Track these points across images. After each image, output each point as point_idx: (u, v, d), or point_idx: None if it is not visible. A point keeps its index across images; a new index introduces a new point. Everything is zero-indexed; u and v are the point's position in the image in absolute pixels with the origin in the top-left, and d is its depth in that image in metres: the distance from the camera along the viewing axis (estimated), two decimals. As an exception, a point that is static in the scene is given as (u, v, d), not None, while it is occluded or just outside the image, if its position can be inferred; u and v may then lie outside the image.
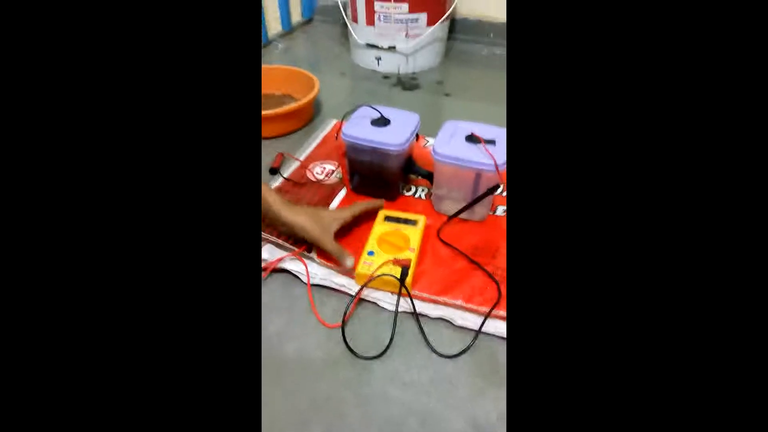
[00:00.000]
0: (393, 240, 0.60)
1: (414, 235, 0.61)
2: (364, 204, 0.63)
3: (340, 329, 0.51)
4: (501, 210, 0.69)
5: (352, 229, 0.64)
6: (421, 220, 0.63)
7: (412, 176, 0.72)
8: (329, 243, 0.57)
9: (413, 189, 0.73)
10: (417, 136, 0.69)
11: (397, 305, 0.53)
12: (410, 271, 0.55)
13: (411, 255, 0.57)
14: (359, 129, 0.65)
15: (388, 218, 0.64)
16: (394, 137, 0.64)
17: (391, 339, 0.51)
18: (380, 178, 0.68)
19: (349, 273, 0.56)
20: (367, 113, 0.68)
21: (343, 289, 0.56)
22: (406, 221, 0.63)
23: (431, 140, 0.82)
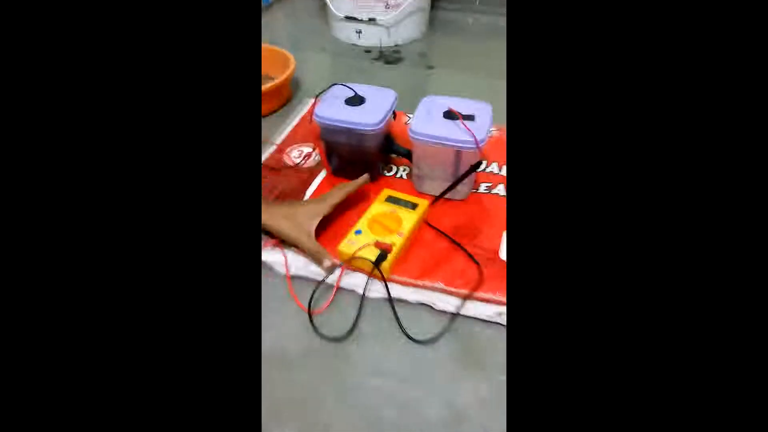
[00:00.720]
0: (385, 222, 0.58)
1: (408, 219, 0.58)
2: (344, 188, 0.61)
3: (311, 316, 0.50)
4: (484, 187, 0.67)
5: (348, 209, 0.62)
6: (422, 205, 0.61)
7: (393, 156, 0.70)
8: (308, 243, 0.55)
9: (394, 169, 0.71)
10: (394, 113, 0.66)
11: (365, 290, 0.52)
12: (391, 257, 0.54)
13: (397, 240, 0.56)
14: (332, 109, 0.62)
15: (389, 199, 0.62)
16: (369, 116, 0.61)
17: (356, 321, 0.50)
18: (358, 159, 0.66)
19: (328, 270, 0.55)
20: (341, 92, 0.65)
21: (320, 278, 0.54)
22: (407, 204, 0.61)
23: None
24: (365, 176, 0.62)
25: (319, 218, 0.57)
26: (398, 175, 0.70)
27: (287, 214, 0.57)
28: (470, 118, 0.59)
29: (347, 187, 0.61)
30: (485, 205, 0.64)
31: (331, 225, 0.60)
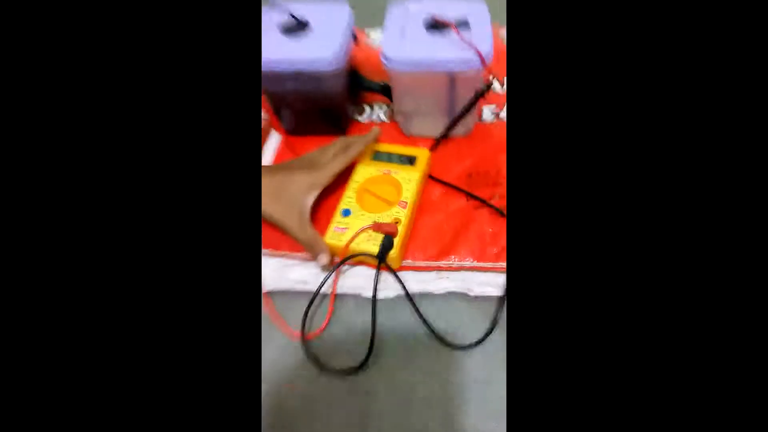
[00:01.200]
0: (380, 190, 0.43)
1: (409, 180, 0.43)
2: (347, 148, 0.44)
3: (307, 344, 0.37)
4: (488, 112, 0.52)
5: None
6: (422, 156, 0.46)
7: (364, 93, 0.53)
8: (299, 230, 0.40)
9: (368, 110, 0.54)
10: (354, 35, 0.48)
11: (374, 292, 0.38)
12: (399, 241, 0.40)
13: (402, 214, 0.41)
14: (266, 46, 0.44)
15: (377, 156, 0.46)
16: (322, 48, 0.43)
17: (371, 348, 0.36)
18: (318, 108, 0.49)
19: (324, 269, 0.41)
20: (274, 18, 0.46)
21: (304, 287, 0.40)
22: (401, 159, 0.45)
23: (379, 34, 0.61)
24: (375, 130, 0.47)
25: (317, 192, 0.42)
26: (375, 117, 0.54)
27: (273, 186, 0.41)
28: (463, 24, 0.42)
29: (352, 146, 0.44)
30: (497, 137, 0.50)
31: (316, 202, 0.44)
